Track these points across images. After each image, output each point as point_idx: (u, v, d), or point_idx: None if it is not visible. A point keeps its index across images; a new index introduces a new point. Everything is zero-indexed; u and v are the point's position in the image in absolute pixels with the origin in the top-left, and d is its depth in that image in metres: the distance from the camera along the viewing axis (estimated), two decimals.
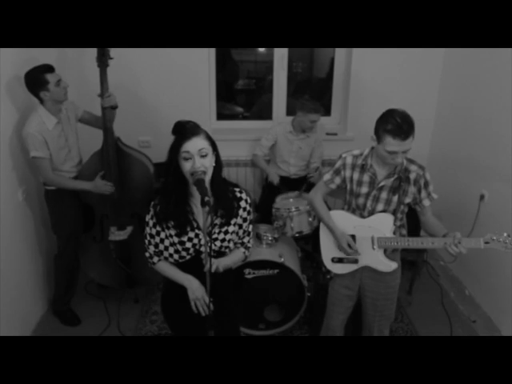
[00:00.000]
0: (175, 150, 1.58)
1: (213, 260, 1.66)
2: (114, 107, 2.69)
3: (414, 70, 3.43)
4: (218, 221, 1.72)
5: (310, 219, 2.83)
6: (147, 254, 1.81)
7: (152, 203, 1.72)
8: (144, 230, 1.79)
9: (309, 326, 2.89)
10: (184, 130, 1.58)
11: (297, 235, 2.87)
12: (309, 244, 3.53)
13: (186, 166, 1.57)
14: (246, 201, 1.77)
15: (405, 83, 3.45)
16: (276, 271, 2.69)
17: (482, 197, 2.84)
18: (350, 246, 2.03)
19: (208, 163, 1.60)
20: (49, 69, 2.47)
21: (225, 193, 1.72)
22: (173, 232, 1.71)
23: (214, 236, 1.71)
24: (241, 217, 1.77)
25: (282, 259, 2.67)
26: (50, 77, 2.45)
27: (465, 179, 3.08)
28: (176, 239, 1.72)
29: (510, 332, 2.64)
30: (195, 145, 1.56)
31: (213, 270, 1.68)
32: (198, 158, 1.57)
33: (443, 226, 2.01)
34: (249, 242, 1.88)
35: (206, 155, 1.58)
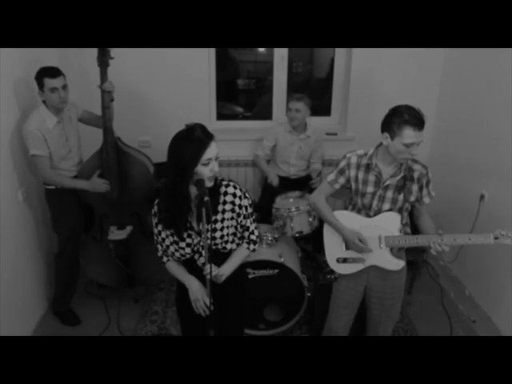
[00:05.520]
0: (195, 157, 1.55)
1: (215, 269, 1.68)
2: (111, 99, 2.69)
3: (414, 69, 3.42)
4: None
5: (310, 219, 2.83)
6: (159, 254, 1.85)
7: (156, 201, 1.74)
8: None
9: (309, 326, 2.89)
10: (200, 137, 1.55)
11: (297, 235, 2.86)
12: (309, 244, 3.53)
13: (205, 171, 1.58)
14: (233, 195, 1.71)
15: (405, 83, 3.44)
16: (276, 271, 2.69)
17: (482, 197, 2.84)
18: (361, 241, 2.01)
19: (217, 165, 1.64)
20: (50, 73, 2.47)
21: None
22: (169, 232, 1.75)
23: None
24: (233, 211, 1.73)
25: (282, 259, 2.67)
26: (47, 81, 2.46)
27: (465, 179, 3.08)
28: (174, 238, 1.75)
29: (510, 332, 2.64)
30: (213, 150, 1.58)
31: (219, 280, 1.72)
32: (214, 162, 1.60)
33: (434, 226, 2.07)
34: (252, 233, 1.86)
35: (217, 158, 1.63)
